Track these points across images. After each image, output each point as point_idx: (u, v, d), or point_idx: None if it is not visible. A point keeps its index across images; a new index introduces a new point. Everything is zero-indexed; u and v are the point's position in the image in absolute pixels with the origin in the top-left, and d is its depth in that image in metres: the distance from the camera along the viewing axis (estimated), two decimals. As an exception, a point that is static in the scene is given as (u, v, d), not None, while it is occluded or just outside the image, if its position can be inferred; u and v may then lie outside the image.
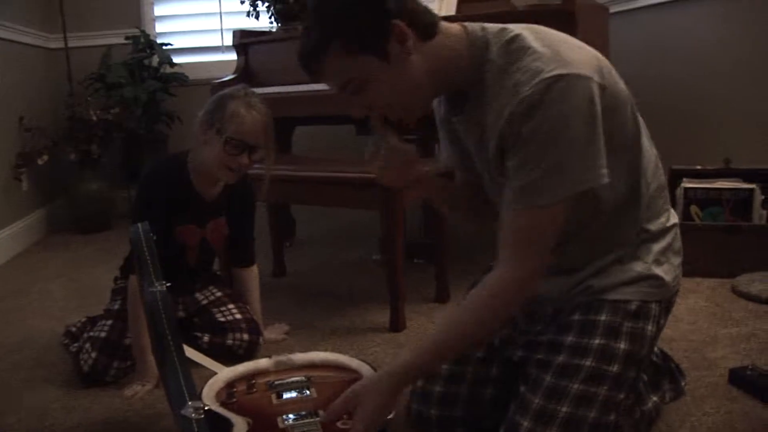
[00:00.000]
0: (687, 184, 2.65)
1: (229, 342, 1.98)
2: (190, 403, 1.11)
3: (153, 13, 4.31)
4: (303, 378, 1.60)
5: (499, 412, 1.37)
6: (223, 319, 2.01)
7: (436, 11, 2.60)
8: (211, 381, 1.57)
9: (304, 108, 2.75)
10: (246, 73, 3.10)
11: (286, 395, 1.52)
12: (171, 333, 1.23)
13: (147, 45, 4.01)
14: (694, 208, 2.63)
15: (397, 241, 2.13)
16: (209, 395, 1.51)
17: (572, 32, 2.23)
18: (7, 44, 3.50)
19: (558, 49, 1.17)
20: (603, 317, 1.29)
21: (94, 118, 3.78)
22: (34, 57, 3.95)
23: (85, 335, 1.93)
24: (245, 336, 1.98)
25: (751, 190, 2.56)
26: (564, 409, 1.23)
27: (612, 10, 2.99)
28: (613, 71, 1.26)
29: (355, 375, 1.59)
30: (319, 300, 2.51)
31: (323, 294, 2.59)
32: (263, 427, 1.39)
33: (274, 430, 1.37)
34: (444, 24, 1.25)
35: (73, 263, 3.23)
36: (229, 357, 1.90)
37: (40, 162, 3.60)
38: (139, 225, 1.46)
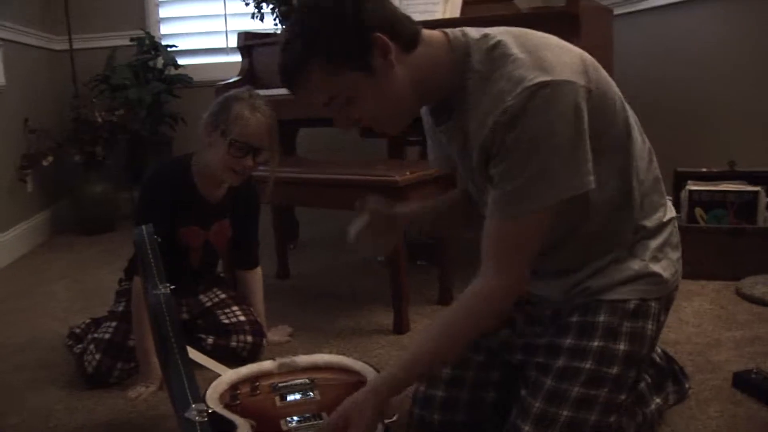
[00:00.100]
0: (691, 186, 2.64)
1: (233, 344, 1.98)
2: (193, 405, 1.11)
3: (158, 14, 4.32)
4: (306, 380, 1.60)
5: (501, 415, 1.38)
6: (226, 321, 2.01)
7: (439, 14, 2.62)
8: (214, 383, 1.57)
9: (308, 110, 2.75)
10: (250, 75, 3.10)
11: (290, 397, 1.52)
12: (174, 335, 1.23)
13: (152, 47, 4.02)
14: (698, 211, 2.63)
15: (399, 243, 2.13)
16: (213, 397, 1.51)
17: (576, 34, 2.25)
18: (12, 46, 3.51)
19: (540, 55, 1.15)
20: (601, 318, 1.29)
21: (99, 119, 3.78)
22: (39, 59, 3.96)
23: (89, 337, 1.94)
24: (249, 338, 1.99)
25: (756, 192, 2.55)
26: (565, 412, 1.23)
27: (616, 12, 2.99)
28: (600, 68, 1.25)
29: (358, 377, 1.59)
30: (323, 302, 2.51)
31: (327, 296, 2.59)
32: (267, 429, 1.39)
33: (278, 433, 1.37)
34: (425, 32, 1.24)
35: (77, 264, 3.24)
36: (232, 359, 1.90)
37: (44, 163, 3.61)
38: (143, 227, 1.46)
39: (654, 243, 1.34)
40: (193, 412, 1.10)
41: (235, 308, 2.05)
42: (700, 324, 2.10)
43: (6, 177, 3.40)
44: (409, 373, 1.25)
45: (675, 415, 1.54)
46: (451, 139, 1.30)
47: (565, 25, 2.25)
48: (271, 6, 3.34)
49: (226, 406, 1.48)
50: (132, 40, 4.02)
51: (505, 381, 1.44)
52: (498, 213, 1.20)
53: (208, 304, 2.07)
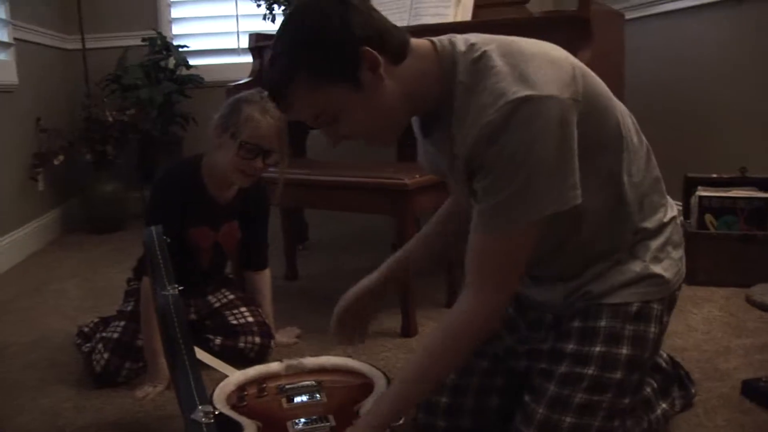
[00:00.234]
0: (702, 192, 2.63)
1: (241, 345, 1.99)
2: (200, 407, 1.11)
3: (170, 15, 4.33)
4: (313, 382, 1.60)
5: (505, 421, 1.38)
6: (235, 322, 2.02)
7: (451, 18, 2.62)
8: (222, 384, 1.57)
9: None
10: (261, 76, 3.11)
11: (297, 399, 1.53)
12: (182, 337, 1.23)
13: (163, 47, 4.03)
14: (708, 217, 2.61)
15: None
16: (220, 398, 1.51)
17: (587, 39, 2.24)
18: (26, 45, 3.53)
19: (523, 68, 1.13)
20: (603, 323, 1.28)
21: (110, 119, 3.80)
22: (52, 58, 3.98)
23: (98, 336, 1.95)
24: (257, 339, 1.99)
25: (767, 199, 2.54)
26: (568, 419, 1.23)
27: (627, 16, 2.97)
28: (589, 75, 1.22)
29: (365, 380, 1.59)
30: (331, 304, 2.49)
31: (335, 298, 2.56)
32: (273, 430, 1.39)
33: (284, 435, 1.37)
34: (413, 42, 1.21)
35: (87, 263, 3.25)
36: (240, 360, 1.90)
37: (56, 162, 3.62)
38: (153, 228, 1.47)
39: (655, 243, 1.32)
40: (199, 414, 1.11)
41: (243, 309, 2.05)
42: (709, 331, 2.09)
43: (17, 175, 3.42)
44: (394, 408, 1.25)
45: (682, 423, 1.54)
46: (440, 150, 1.29)
47: (576, 29, 2.24)
48: (282, 7, 3.35)
49: (233, 407, 1.48)
50: (144, 40, 4.03)
51: (509, 387, 1.44)
52: (482, 227, 1.19)
53: (217, 304, 2.07)
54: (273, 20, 3.42)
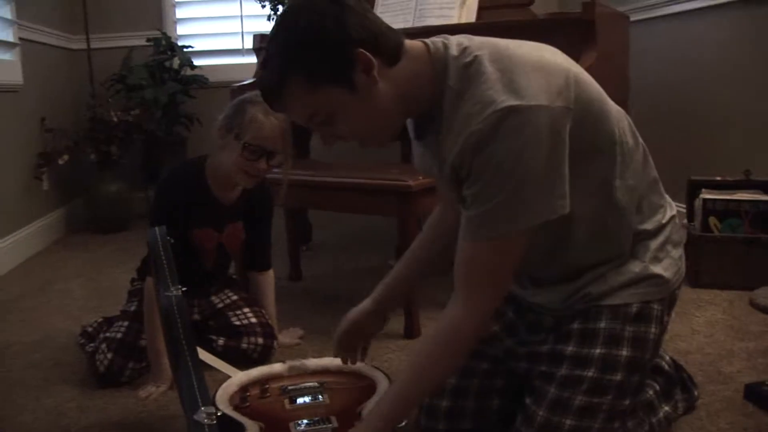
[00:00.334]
0: (706, 195, 2.63)
1: (244, 346, 1.99)
2: (202, 408, 1.12)
3: (174, 15, 4.34)
4: (316, 384, 1.61)
5: (506, 422, 1.38)
6: (238, 323, 2.02)
7: (455, 19, 2.62)
8: (224, 384, 1.58)
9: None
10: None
11: (299, 400, 1.53)
12: (186, 338, 1.24)
13: (168, 47, 4.04)
14: (712, 220, 2.61)
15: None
16: (223, 398, 1.52)
17: (592, 41, 2.24)
18: (31, 45, 3.54)
19: (513, 76, 1.12)
20: (602, 324, 1.28)
21: (115, 119, 3.81)
22: (57, 58, 4.00)
23: (101, 336, 1.95)
24: (260, 340, 1.99)
25: (771, 202, 2.54)
26: (568, 421, 1.23)
27: (632, 18, 2.97)
28: (582, 81, 1.20)
29: (368, 382, 1.59)
30: (335, 305, 2.51)
31: (339, 299, 2.59)
32: (276, 431, 1.40)
33: (287, 436, 1.38)
34: (407, 43, 1.20)
35: (91, 263, 3.26)
36: (243, 361, 1.91)
37: (60, 162, 3.63)
38: (156, 229, 1.47)
39: (654, 243, 1.32)
40: (202, 415, 1.11)
41: (246, 310, 2.05)
42: (712, 334, 2.09)
43: (22, 175, 3.43)
44: (387, 421, 1.24)
45: (685, 426, 1.54)
46: (430, 153, 1.28)
47: (580, 31, 2.24)
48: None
49: (236, 408, 1.49)
50: (148, 40, 4.04)
51: (510, 388, 1.44)
52: (470, 235, 1.18)
53: (220, 305, 2.08)
54: (277, 21, 3.42)
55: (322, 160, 2.99)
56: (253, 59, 3.27)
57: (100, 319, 2.14)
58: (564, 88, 1.15)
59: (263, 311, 2.08)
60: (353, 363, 1.61)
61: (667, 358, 1.62)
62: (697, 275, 2.54)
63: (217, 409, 1.39)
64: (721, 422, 1.55)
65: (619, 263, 1.31)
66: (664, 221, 1.34)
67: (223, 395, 1.53)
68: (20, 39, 3.39)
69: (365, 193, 2.21)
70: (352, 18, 1.13)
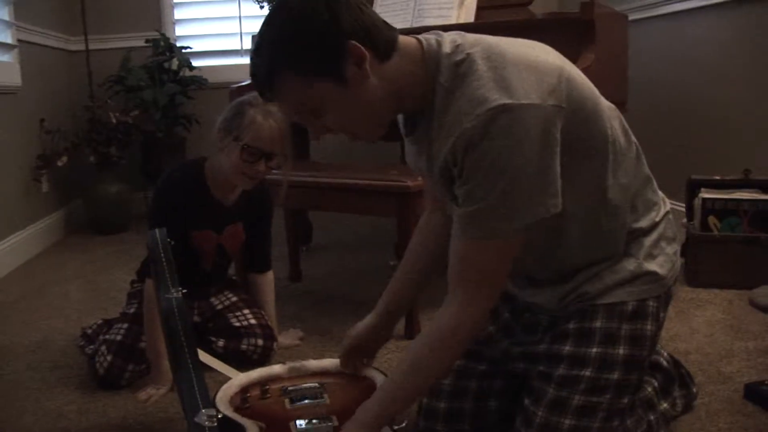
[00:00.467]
0: (705, 194, 2.63)
1: (244, 347, 1.99)
2: (203, 410, 1.12)
3: (173, 16, 4.34)
4: (316, 384, 1.61)
5: (505, 423, 1.38)
6: (238, 324, 2.02)
7: (454, 19, 2.62)
8: (225, 386, 1.58)
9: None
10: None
11: (300, 401, 1.53)
12: (186, 340, 1.23)
13: (167, 48, 4.04)
14: (712, 219, 2.61)
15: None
16: (223, 400, 1.51)
17: (590, 40, 2.25)
18: (29, 47, 3.54)
19: (505, 74, 1.11)
20: (599, 323, 1.28)
21: (114, 120, 3.81)
22: (56, 59, 3.99)
23: (101, 338, 1.95)
24: (260, 341, 1.99)
25: (770, 201, 2.54)
26: (567, 421, 1.23)
27: (631, 18, 2.97)
28: (575, 79, 1.20)
29: (368, 382, 1.59)
30: (335, 306, 2.52)
31: (339, 299, 2.59)
32: (276, 432, 1.40)
33: (287, 437, 1.38)
34: (401, 39, 1.20)
35: (91, 265, 3.26)
36: (243, 362, 1.91)
37: (59, 164, 3.63)
38: (156, 231, 1.47)
39: (648, 240, 1.32)
40: (202, 417, 1.11)
41: (246, 311, 2.05)
42: (712, 334, 2.09)
43: (21, 177, 3.43)
44: (378, 418, 1.25)
45: (685, 426, 1.54)
46: (419, 150, 1.27)
47: (579, 31, 2.24)
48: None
49: (236, 409, 1.49)
50: (147, 41, 4.04)
51: (508, 389, 1.44)
52: (462, 234, 1.18)
53: (220, 307, 2.08)
54: (276, 22, 3.42)
55: (321, 161, 2.99)
56: (251, 60, 3.27)
57: (99, 321, 2.14)
58: (556, 87, 1.14)
59: (263, 312, 2.08)
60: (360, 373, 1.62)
61: (665, 354, 1.63)
62: (696, 274, 2.54)
63: (218, 411, 1.38)
64: (720, 422, 1.55)
65: (613, 261, 1.30)
66: (657, 219, 1.34)
67: (223, 397, 1.53)
68: (19, 41, 3.39)
69: (365, 194, 2.21)
70: (345, 10, 1.12)
